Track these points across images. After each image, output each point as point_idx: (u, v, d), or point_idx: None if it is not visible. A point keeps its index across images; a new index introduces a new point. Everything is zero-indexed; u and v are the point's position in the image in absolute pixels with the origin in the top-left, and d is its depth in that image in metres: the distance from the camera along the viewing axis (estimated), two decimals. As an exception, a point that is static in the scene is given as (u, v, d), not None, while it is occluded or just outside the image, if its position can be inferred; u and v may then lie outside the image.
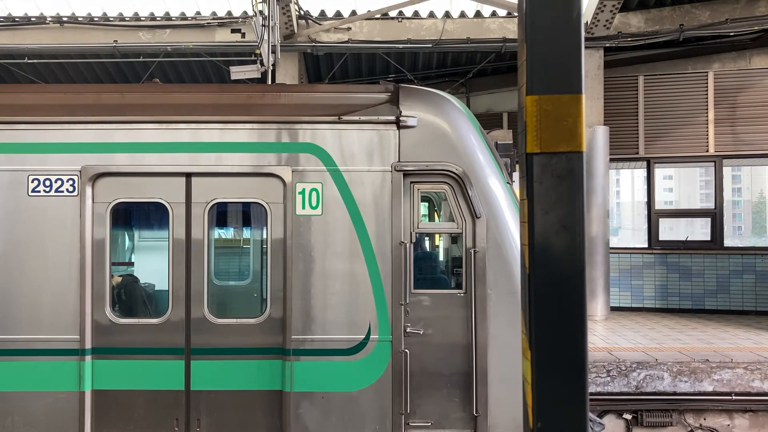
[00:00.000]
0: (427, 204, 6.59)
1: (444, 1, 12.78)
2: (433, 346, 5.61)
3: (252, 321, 5.68)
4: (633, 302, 13.26)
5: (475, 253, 5.57)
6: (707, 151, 13.06)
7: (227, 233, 7.83)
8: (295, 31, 12.33)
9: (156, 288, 6.43)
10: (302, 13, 12.40)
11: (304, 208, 5.62)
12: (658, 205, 13.65)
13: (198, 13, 12.92)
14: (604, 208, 12.12)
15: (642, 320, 12.04)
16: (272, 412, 5.61)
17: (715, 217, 13.06)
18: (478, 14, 12.72)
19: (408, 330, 5.59)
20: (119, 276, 6.31)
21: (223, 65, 12.85)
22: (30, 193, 5.64)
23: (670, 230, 13.75)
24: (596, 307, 12.01)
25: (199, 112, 5.71)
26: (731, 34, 12.15)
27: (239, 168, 5.68)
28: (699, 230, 14.44)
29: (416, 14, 12.65)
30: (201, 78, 14.64)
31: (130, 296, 6.28)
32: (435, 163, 5.62)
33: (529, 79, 3.10)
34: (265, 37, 10.33)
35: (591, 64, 12.10)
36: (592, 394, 8.07)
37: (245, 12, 12.47)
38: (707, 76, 13.02)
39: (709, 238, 13.18)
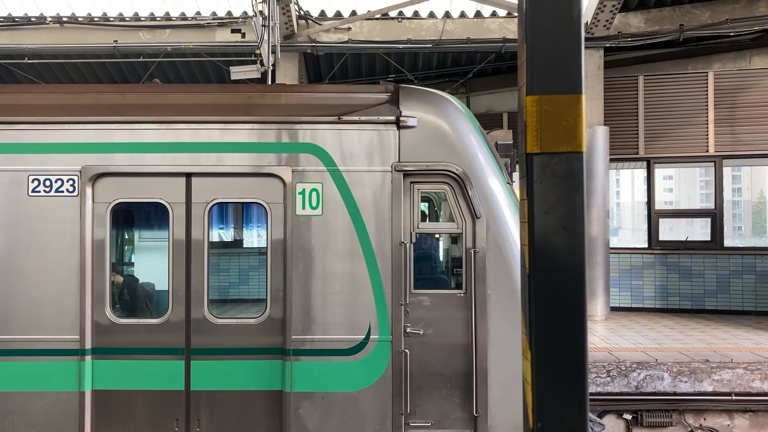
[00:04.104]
0: (427, 204, 6.59)
1: (444, 1, 12.78)
2: (433, 347, 5.61)
3: (252, 321, 5.68)
4: (633, 302, 13.26)
5: (475, 253, 5.57)
6: (707, 151, 13.06)
7: (227, 233, 7.84)
8: (295, 31, 12.33)
9: (156, 288, 6.43)
10: (302, 13, 12.40)
11: (304, 208, 5.62)
12: (658, 205, 13.65)
13: (198, 13, 12.92)
14: (604, 208, 12.12)
15: (642, 320, 12.04)
16: (272, 412, 5.61)
17: (715, 217, 13.06)
18: (478, 14, 12.73)
19: (408, 330, 5.59)
20: (122, 276, 6.32)
21: (223, 65, 12.85)
22: (30, 194, 5.64)
23: (670, 230, 13.75)
24: (596, 307, 12.01)
25: (200, 112, 5.71)
26: (731, 34, 12.15)
27: (239, 168, 5.68)
28: (699, 230, 14.45)
29: (416, 14, 12.66)
30: (201, 78, 14.64)
31: (133, 296, 6.28)
32: (435, 164, 5.62)
33: (529, 79, 3.10)
34: (265, 37, 10.33)
35: (591, 64, 12.11)
36: (592, 394, 8.07)
37: (245, 12, 12.47)
38: (707, 76, 13.02)
39: (709, 239, 13.18)
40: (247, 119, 5.68)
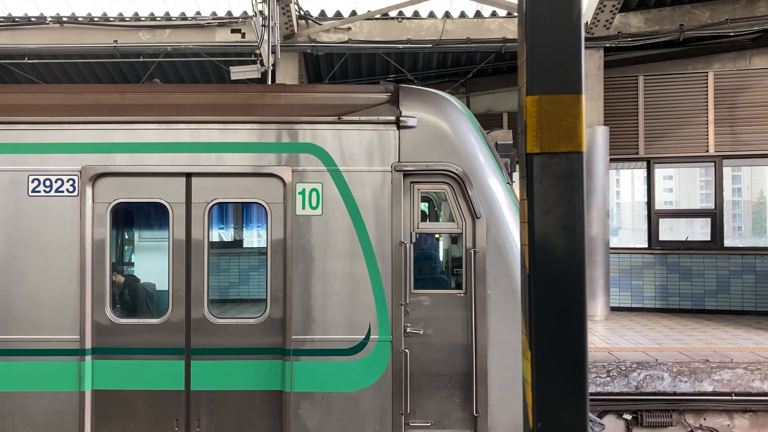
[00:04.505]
0: (427, 204, 6.59)
1: (444, 1, 12.78)
2: (433, 347, 5.61)
3: (252, 321, 5.69)
4: (633, 302, 13.26)
5: (475, 253, 5.57)
6: (707, 151, 13.06)
7: (227, 233, 7.83)
8: (295, 31, 12.33)
9: (156, 288, 6.43)
10: (302, 13, 12.40)
11: (304, 208, 5.62)
12: (658, 205, 13.65)
13: (198, 13, 12.92)
14: (604, 208, 12.12)
15: (642, 320, 12.04)
16: (272, 412, 5.61)
17: (715, 217, 13.06)
18: (478, 14, 12.73)
19: (408, 330, 5.59)
20: (123, 276, 6.32)
21: (223, 65, 12.85)
22: (30, 194, 5.64)
23: (670, 230, 13.75)
24: (596, 307, 12.01)
25: (199, 112, 5.71)
26: (731, 34, 12.15)
27: (239, 168, 5.68)
28: (699, 230, 14.45)
29: (416, 14, 12.66)
30: (201, 78, 14.64)
31: (133, 296, 6.28)
32: (435, 164, 5.62)
33: (529, 79, 3.10)
34: (265, 37, 10.33)
35: (591, 64, 12.11)
36: (592, 394, 8.07)
37: (245, 12, 12.47)
38: (707, 76, 13.02)
39: (709, 239, 13.18)
40: (247, 119, 5.68)
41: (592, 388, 8.22)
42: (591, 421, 5.97)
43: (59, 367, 5.59)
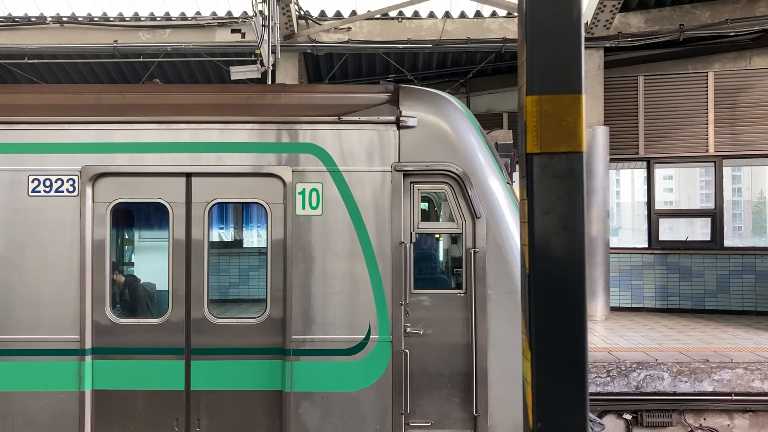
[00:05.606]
0: (427, 204, 6.59)
1: (444, 1, 12.79)
2: (433, 347, 5.61)
3: (252, 321, 5.69)
4: (633, 302, 13.27)
5: (475, 253, 5.57)
6: (707, 151, 13.06)
7: (227, 233, 7.83)
8: (295, 31, 12.33)
9: (156, 288, 6.43)
10: (302, 13, 12.41)
11: (304, 208, 5.62)
12: (658, 205, 13.65)
13: (198, 13, 12.92)
14: (604, 208, 12.12)
15: (642, 320, 12.04)
16: (272, 412, 5.61)
17: (715, 217, 13.06)
18: (478, 14, 12.73)
19: (408, 330, 5.59)
20: (122, 276, 6.32)
21: (223, 65, 12.85)
22: (30, 194, 5.64)
23: (670, 230, 13.75)
24: (596, 307, 12.01)
25: (199, 112, 5.71)
26: (731, 34, 12.15)
27: (239, 168, 5.68)
28: (699, 230, 14.45)
29: (416, 14, 12.66)
30: (201, 78, 14.64)
31: (133, 296, 6.28)
32: (435, 164, 5.62)
33: (529, 79, 3.10)
34: (265, 37, 10.33)
35: (591, 64, 12.11)
36: (592, 394, 8.07)
37: (245, 12, 12.47)
38: (707, 76, 13.02)
39: (709, 239, 13.18)
40: (247, 119, 5.68)
41: (592, 388, 8.21)
42: (591, 421, 5.97)
43: (59, 367, 5.59)
